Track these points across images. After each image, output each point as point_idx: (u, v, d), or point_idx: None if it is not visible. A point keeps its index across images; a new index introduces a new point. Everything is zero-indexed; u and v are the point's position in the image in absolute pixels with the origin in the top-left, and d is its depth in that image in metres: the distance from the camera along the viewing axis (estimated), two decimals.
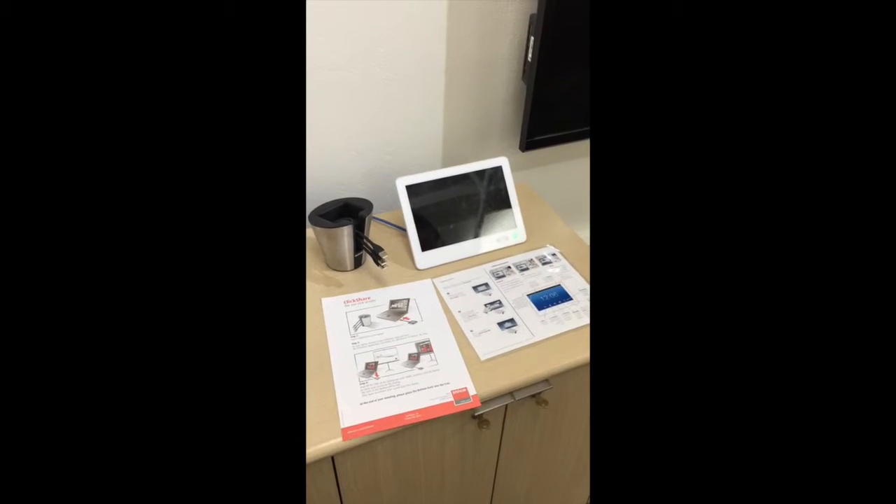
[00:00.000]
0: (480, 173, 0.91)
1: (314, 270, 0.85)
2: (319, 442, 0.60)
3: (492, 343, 0.73)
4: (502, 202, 0.92)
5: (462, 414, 0.68)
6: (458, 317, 0.77)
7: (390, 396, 0.65)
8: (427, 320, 0.76)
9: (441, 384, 0.67)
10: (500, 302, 0.79)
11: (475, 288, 0.82)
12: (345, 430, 0.61)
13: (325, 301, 0.79)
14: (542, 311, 0.78)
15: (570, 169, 1.22)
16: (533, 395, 0.71)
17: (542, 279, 0.84)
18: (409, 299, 0.80)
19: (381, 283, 0.83)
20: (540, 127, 0.99)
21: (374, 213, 0.88)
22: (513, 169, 0.93)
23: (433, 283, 0.83)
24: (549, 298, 0.80)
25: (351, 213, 0.83)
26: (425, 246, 0.86)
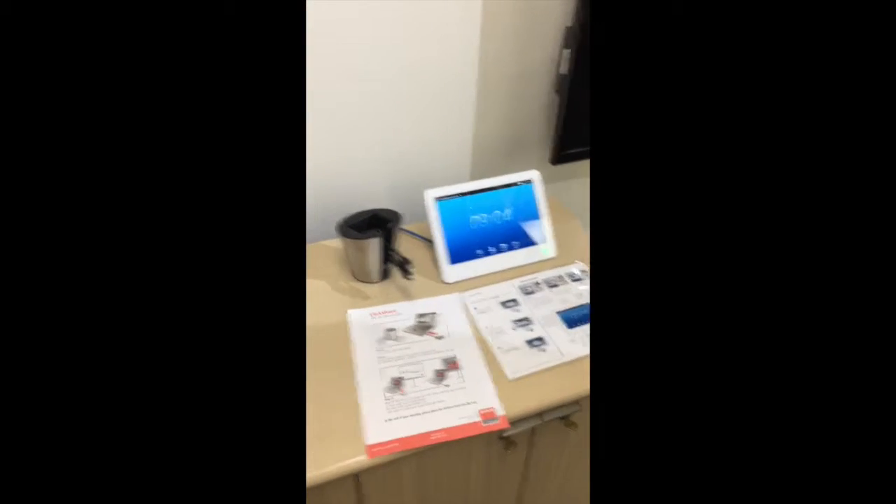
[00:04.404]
0: (510, 186, 0.89)
1: (340, 282, 0.84)
2: (343, 458, 0.58)
3: (520, 361, 0.71)
4: (532, 216, 0.91)
5: (488, 434, 0.66)
6: (485, 333, 0.75)
7: (416, 414, 0.64)
8: (454, 336, 0.75)
9: (468, 403, 0.65)
10: (528, 319, 0.78)
11: (503, 303, 0.80)
12: (370, 447, 0.60)
13: (351, 313, 0.78)
14: (573, 330, 0.76)
15: None
16: (562, 417, 0.69)
17: (572, 296, 0.82)
18: (435, 314, 0.78)
19: (407, 296, 0.82)
20: (572, 140, 0.97)
21: (402, 225, 0.87)
22: (543, 182, 0.91)
23: (461, 297, 0.82)
24: (580, 317, 0.78)
25: (379, 224, 0.83)
26: (453, 259, 0.85)
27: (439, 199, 0.85)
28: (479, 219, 0.87)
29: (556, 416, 0.68)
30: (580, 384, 0.68)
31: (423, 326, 0.76)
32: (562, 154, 0.98)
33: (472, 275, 0.86)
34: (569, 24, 0.89)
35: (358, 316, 0.78)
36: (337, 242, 0.91)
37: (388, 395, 0.66)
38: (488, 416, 0.64)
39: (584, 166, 1.14)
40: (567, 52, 0.90)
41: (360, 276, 0.84)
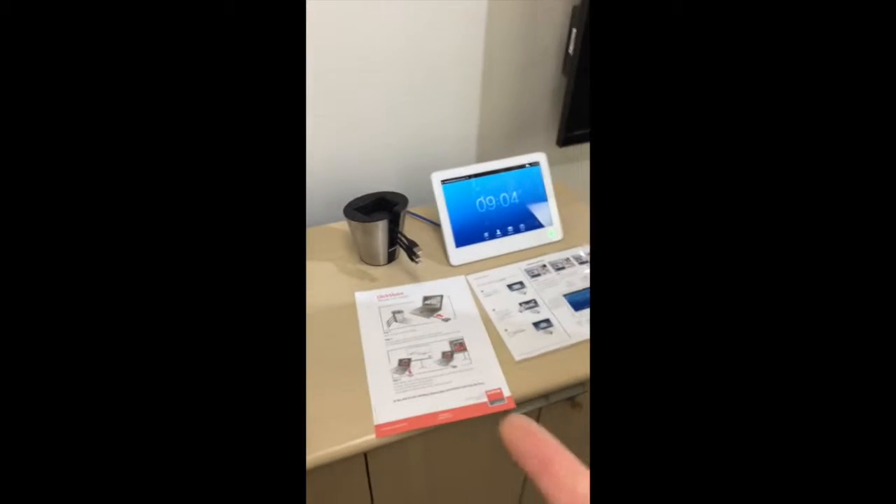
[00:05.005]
0: (517, 168, 0.89)
1: (348, 264, 0.84)
2: (352, 438, 0.59)
3: (527, 343, 0.71)
4: (539, 199, 0.90)
5: (495, 414, 0.66)
6: (492, 315, 0.76)
7: (423, 394, 0.64)
8: (461, 318, 0.75)
9: (475, 384, 0.66)
10: (535, 301, 0.78)
11: (510, 286, 0.81)
12: (378, 427, 0.60)
13: (359, 295, 0.78)
14: (579, 312, 0.76)
15: None
16: (568, 399, 0.70)
17: (578, 279, 0.82)
18: (442, 296, 0.79)
19: (414, 278, 0.82)
20: (579, 122, 0.96)
21: (409, 208, 0.87)
22: (549, 164, 0.91)
23: (467, 280, 0.82)
24: (586, 299, 0.78)
25: (386, 207, 0.83)
26: (459, 242, 0.85)
27: (445, 181, 0.85)
28: (485, 201, 0.87)
29: (561, 398, 0.69)
30: (586, 366, 0.69)
31: (430, 309, 0.77)
32: (568, 136, 0.97)
33: (479, 257, 0.86)
34: (576, 3, 0.88)
35: (365, 298, 0.78)
36: (344, 225, 0.91)
37: (395, 376, 0.67)
38: (495, 396, 0.65)
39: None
40: (575, 33, 0.88)
41: (367, 258, 0.84)
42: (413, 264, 0.83)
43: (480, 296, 0.79)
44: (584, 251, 0.87)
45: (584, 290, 0.80)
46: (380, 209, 0.83)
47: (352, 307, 0.77)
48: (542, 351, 0.70)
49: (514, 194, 0.89)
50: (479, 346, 0.71)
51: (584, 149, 1.12)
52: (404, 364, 0.68)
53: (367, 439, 0.60)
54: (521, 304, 0.78)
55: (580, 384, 0.69)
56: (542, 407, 0.69)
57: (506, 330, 0.73)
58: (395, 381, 0.66)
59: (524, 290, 0.80)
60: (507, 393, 0.65)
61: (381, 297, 0.79)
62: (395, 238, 0.82)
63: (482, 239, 0.87)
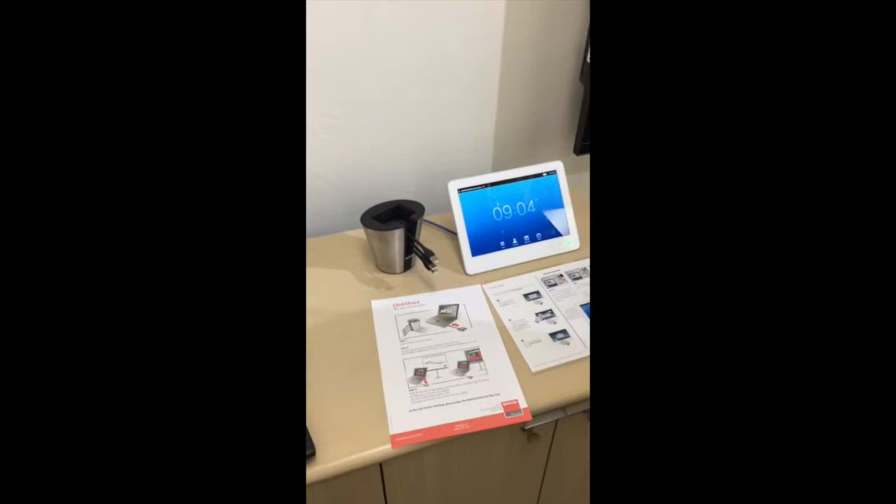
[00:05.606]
0: (534, 177, 0.89)
1: (364, 272, 0.85)
2: (368, 448, 0.59)
3: (543, 354, 0.71)
4: (555, 207, 0.90)
5: (511, 426, 0.66)
6: (508, 325, 0.75)
7: (439, 405, 0.64)
8: (476, 327, 0.75)
9: (491, 395, 0.65)
10: (551, 311, 0.77)
11: (526, 296, 0.80)
12: (394, 437, 0.60)
13: (375, 303, 0.79)
14: None
15: None
16: (585, 411, 0.69)
17: None
18: (458, 305, 0.79)
19: (430, 287, 0.82)
20: None
21: (425, 216, 0.87)
22: (567, 173, 0.90)
23: (483, 289, 0.81)
24: None
25: (402, 215, 0.83)
26: (476, 251, 0.85)
27: (462, 190, 0.85)
28: (501, 210, 0.87)
29: (579, 410, 0.68)
30: None
31: (446, 318, 0.76)
32: (586, 144, 0.96)
33: (495, 266, 0.85)
34: None
35: (381, 306, 0.78)
36: (361, 233, 0.92)
37: (411, 385, 0.66)
38: (511, 408, 0.64)
39: None
40: None
41: (384, 266, 0.84)
42: (429, 273, 0.83)
43: (496, 305, 0.79)
44: None
45: None
46: (396, 217, 0.83)
47: (368, 315, 0.77)
48: (559, 362, 0.70)
49: (531, 203, 0.88)
50: (495, 356, 0.70)
51: None
52: (420, 373, 0.68)
53: (383, 449, 0.60)
54: (537, 314, 0.77)
55: None
56: (559, 419, 0.68)
57: (522, 340, 0.73)
58: (410, 390, 0.66)
59: (540, 299, 0.79)
60: (523, 404, 0.64)
61: (398, 305, 0.79)
62: (411, 246, 0.82)
63: (498, 248, 0.86)
